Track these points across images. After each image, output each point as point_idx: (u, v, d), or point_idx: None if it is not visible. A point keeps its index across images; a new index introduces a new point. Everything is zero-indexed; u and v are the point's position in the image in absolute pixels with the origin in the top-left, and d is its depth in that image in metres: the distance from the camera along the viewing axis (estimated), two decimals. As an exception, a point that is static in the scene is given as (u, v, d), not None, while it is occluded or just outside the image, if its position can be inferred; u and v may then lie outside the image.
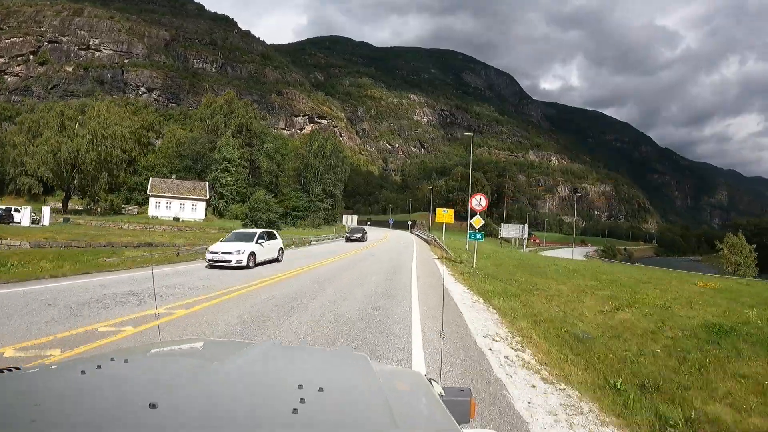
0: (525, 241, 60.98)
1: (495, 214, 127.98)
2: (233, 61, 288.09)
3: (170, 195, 66.58)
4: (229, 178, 73.13)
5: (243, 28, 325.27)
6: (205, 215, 69.13)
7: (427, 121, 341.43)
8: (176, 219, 63.87)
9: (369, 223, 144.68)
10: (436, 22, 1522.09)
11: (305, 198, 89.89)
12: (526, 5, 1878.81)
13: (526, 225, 52.41)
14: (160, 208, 66.52)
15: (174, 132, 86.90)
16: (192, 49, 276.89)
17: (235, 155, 74.52)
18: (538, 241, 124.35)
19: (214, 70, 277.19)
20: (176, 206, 66.55)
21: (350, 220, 74.84)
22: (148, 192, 67.37)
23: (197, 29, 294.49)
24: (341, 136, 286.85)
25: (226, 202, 72.76)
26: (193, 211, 67.01)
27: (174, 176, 71.57)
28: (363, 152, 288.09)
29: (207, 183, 70.81)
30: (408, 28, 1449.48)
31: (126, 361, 1.68)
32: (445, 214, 48.49)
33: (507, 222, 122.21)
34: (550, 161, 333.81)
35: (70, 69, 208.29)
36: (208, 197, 68.14)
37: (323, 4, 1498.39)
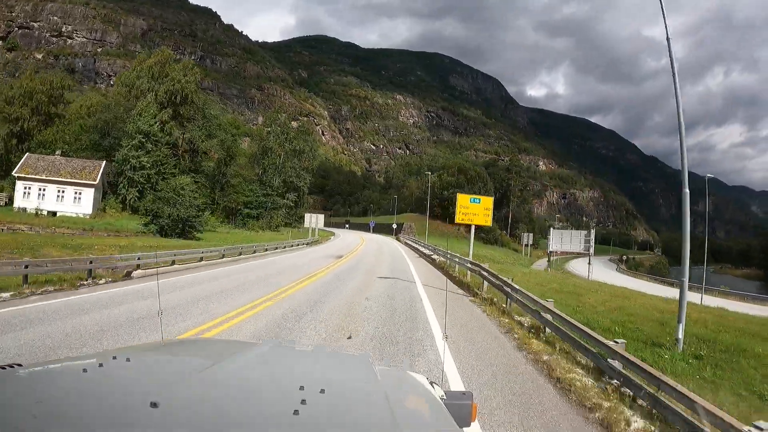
0: (590, 257, 35.70)
1: (498, 216, 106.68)
2: (213, 54, 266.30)
3: (45, 178, 43.84)
4: (144, 159, 50.80)
5: (226, 23, 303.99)
6: (102, 209, 47.12)
7: (413, 122, 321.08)
8: (42, 212, 41.23)
9: (347, 225, 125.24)
10: (425, 26, 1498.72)
11: (260, 191, 67.87)
12: (515, 12, 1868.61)
13: (592, 232, 30.08)
14: (30, 196, 44.07)
15: (86, 99, 64.12)
16: (170, 39, 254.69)
17: (156, 128, 52.15)
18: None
19: (192, 62, 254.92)
20: (52, 194, 43.80)
21: (315, 221, 53.10)
22: (14, 173, 44.61)
23: (177, 20, 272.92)
24: (323, 134, 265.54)
25: (140, 191, 50.10)
26: (76, 202, 44.51)
27: (58, 152, 48.56)
28: (345, 152, 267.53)
29: (103, 162, 48.23)
30: (396, 31, 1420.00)
31: (128, 359, 1.64)
32: (473, 208, 24.74)
33: (514, 227, 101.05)
34: (537, 166, 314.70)
35: (39, 56, 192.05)
36: (97, 181, 45.59)
37: (312, 5, 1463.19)
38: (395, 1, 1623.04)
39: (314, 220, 56.62)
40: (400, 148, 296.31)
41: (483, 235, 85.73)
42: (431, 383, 1.96)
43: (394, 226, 79.19)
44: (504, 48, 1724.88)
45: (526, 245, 78.33)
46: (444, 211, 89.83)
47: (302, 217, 72.74)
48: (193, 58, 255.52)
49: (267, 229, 65.82)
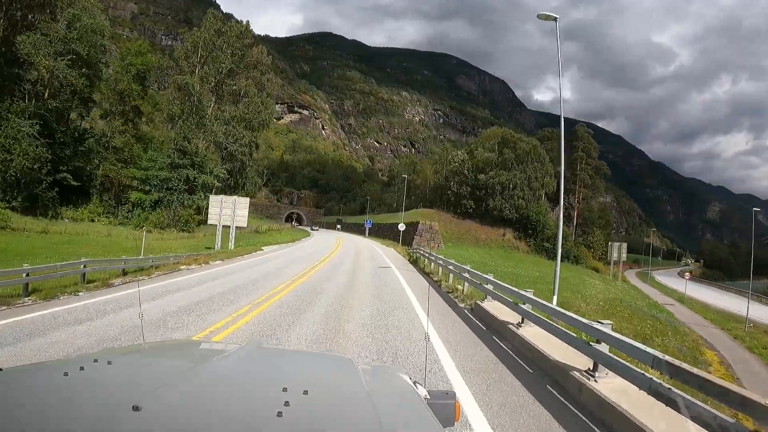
0: None
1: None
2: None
3: None
4: None
5: (226, 12, 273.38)
6: None
7: (419, 120, 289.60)
8: None
9: (339, 226, 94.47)
10: (432, 28, 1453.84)
11: (164, 161, 36.31)
12: (522, 15, 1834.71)
13: None
14: None
15: None
16: (162, 24, 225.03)
17: None
18: (626, 267, 72.07)
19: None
20: None
21: (230, 213, 21.59)
22: None
23: (172, 5, 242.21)
24: (323, 129, 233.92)
25: None
26: None
27: None
28: (347, 148, 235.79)
29: None
30: (403, 33, 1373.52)
31: (109, 362, 1.57)
32: None
33: (583, 231, 68.25)
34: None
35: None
36: None
37: (318, 4, 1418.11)
38: (402, 3, 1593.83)
39: (228, 213, 24.67)
40: (405, 146, 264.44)
41: (547, 245, 53.65)
42: (415, 383, 1.84)
43: (401, 227, 46.26)
44: (511, 52, 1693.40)
45: (615, 262, 46.12)
46: (478, 205, 57.61)
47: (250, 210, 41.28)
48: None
49: (173, 227, 34.22)
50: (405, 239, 44.89)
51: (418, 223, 47.24)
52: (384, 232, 59.86)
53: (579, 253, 56.01)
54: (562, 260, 46.48)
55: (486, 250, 46.77)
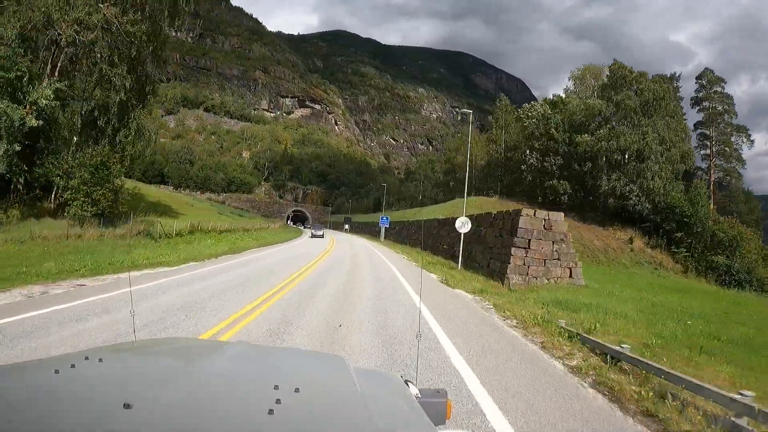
0: None
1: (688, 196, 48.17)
2: (215, 33, 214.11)
3: None
4: None
5: (235, 5, 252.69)
6: None
7: (437, 117, 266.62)
8: None
9: (347, 226, 71.55)
10: (447, 28, 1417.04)
11: None
12: (538, 15, 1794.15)
13: None
14: None
15: None
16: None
17: None
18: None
19: (189, 39, 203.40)
20: None
21: None
22: None
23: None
24: (337, 124, 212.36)
25: None
26: None
27: None
28: (361, 144, 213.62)
29: None
30: (418, 33, 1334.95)
31: (100, 360, 1.52)
32: None
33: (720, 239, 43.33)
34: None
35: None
36: None
37: (333, 3, 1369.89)
38: (417, 2, 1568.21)
39: None
40: (422, 143, 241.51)
41: (719, 259, 29.71)
42: (406, 382, 1.81)
43: (463, 226, 19.42)
44: (526, 51, 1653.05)
45: None
46: (576, 190, 36.18)
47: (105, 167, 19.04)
48: (191, 36, 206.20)
49: None
50: (467, 252, 21.96)
51: (517, 216, 16.45)
52: (412, 236, 37.16)
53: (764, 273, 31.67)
54: (742, 286, 23.49)
55: (618, 271, 24.00)
